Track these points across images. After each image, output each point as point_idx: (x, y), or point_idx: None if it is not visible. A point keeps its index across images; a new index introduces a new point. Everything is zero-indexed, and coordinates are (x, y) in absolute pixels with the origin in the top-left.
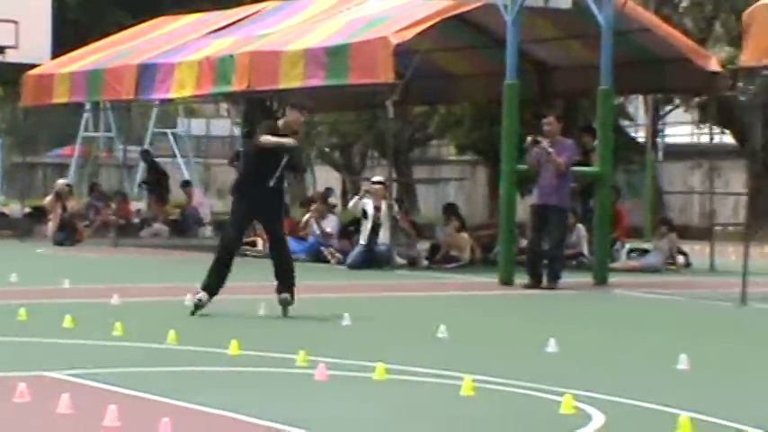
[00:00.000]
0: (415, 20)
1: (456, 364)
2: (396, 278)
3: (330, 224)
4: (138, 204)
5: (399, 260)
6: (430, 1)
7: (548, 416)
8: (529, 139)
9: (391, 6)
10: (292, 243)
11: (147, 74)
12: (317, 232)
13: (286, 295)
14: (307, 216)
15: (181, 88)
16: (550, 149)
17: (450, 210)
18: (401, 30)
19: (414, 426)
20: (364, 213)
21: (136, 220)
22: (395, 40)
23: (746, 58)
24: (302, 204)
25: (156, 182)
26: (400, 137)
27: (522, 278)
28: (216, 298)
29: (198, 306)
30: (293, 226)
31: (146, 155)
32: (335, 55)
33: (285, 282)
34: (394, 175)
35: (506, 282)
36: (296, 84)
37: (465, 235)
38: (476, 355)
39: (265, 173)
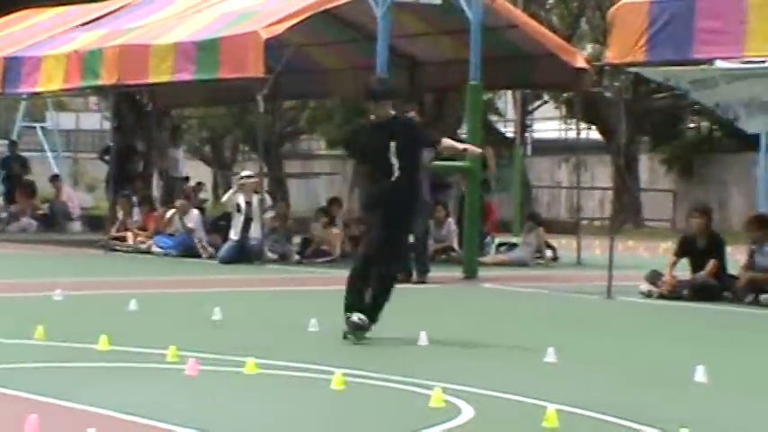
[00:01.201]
0: (286, 14)
1: (327, 358)
2: (267, 272)
3: (193, 220)
4: None
5: (271, 255)
6: None
7: (417, 409)
8: None
9: (262, 1)
10: (162, 239)
11: (13, 67)
12: (181, 229)
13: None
14: (170, 213)
15: (48, 82)
16: None
17: (332, 203)
18: (271, 24)
19: (284, 420)
20: (238, 208)
21: (3, 215)
22: (265, 35)
23: (612, 55)
24: (185, 197)
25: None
26: (271, 131)
27: None
28: (83, 293)
29: (358, 326)
30: (159, 221)
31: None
32: (205, 49)
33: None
34: (265, 170)
35: None
36: (165, 78)
37: (335, 230)
38: (346, 350)
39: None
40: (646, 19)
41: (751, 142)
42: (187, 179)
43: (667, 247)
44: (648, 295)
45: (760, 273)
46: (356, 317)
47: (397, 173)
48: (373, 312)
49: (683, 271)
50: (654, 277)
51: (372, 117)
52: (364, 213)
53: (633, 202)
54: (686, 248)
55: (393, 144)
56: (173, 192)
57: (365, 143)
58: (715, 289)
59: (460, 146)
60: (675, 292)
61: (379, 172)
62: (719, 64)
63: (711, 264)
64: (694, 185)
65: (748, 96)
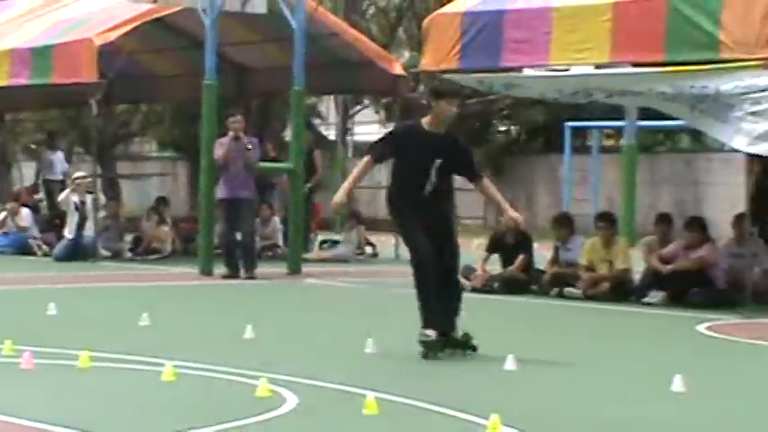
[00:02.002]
0: (118, 22)
1: (158, 351)
2: (101, 269)
3: (25, 219)
4: None
5: (104, 252)
6: (134, 4)
7: (244, 399)
8: (231, 134)
9: (96, 9)
10: None
11: None
12: (14, 228)
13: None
14: (2, 215)
15: None
16: (250, 146)
17: (159, 203)
18: (105, 31)
19: (116, 410)
20: (75, 207)
21: None
22: (98, 42)
23: (427, 62)
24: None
25: None
26: (104, 134)
27: (221, 269)
28: None
29: (428, 346)
30: None
31: None
32: (40, 55)
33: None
34: (98, 171)
35: (206, 272)
36: (2, 82)
37: (166, 228)
38: (177, 343)
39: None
40: (458, 29)
41: (555, 144)
42: (63, 181)
43: (480, 243)
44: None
45: (564, 268)
46: (431, 332)
47: (429, 189)
48: (453, 322)
49: (495, 266)
50: (467, 271)
51: (428, 118)
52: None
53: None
54: (497, 245)
55: (438, 161)
56: (51, 194)
57: (409, 146)
58: (523, 282)
59: (504, 203)
60: (487, 286)
61: (413, 182)
62: (527, 71)
63: (520, 259)
64: (504, 185)
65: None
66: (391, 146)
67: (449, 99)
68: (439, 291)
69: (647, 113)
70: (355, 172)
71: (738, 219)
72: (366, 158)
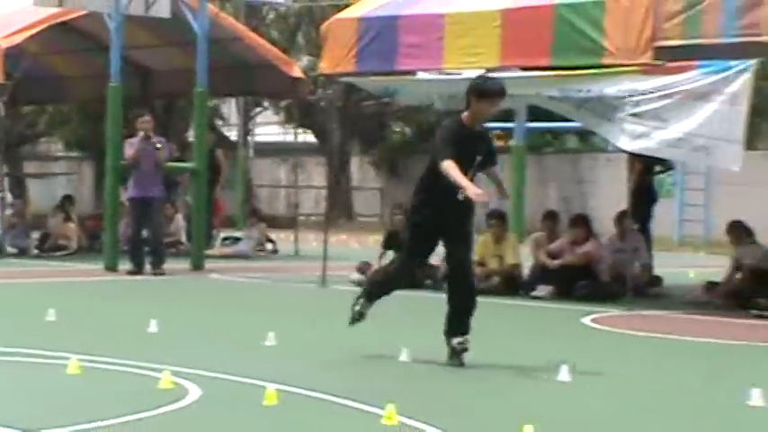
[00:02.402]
0: (24, 25)
1: (64, 345)
2: (7, 266)
3: None
4: None
5: (11, 249)
6: (40, 7)
7: (148, 391)
8: (140, 134)
9: (6, 12)
10: None
11: None
12: None
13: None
14: None
15: None
16: (159, 145)
17: (65, 201)
18: (11, 34)
19: (20, 403)
20: None
21: None
22: (4, 44)
23: (325, 66)
24: None
25: None
26: (11, 134)
27: (125, 265)
28: None
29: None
30: None
31: None
32: None
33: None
34: (5, 170)
35: (111, 268)
36: None
37: (72, 225)
38: (83, 337)
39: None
40: (355, 34)
41: None
42: None
43: (376, 239)
44: (359, 284)
45: None
46: (457, 342)
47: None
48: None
49: None
50: (364, 267)
51: (467, 115)
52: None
53: (345, 199)
54: (392, 241)
55: (479, 158)
56: None
57: (457, 145)
58: (419, 278)
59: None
60: None
61: (447, 184)
62: (421, 75)
63: None
64: (399, 184)
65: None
66: (455, 143)
67: (491, 100)
68: (451, 292)
69: (535, 116)
70: (459, 173)
71: (620, 216)
72: (448, 161)
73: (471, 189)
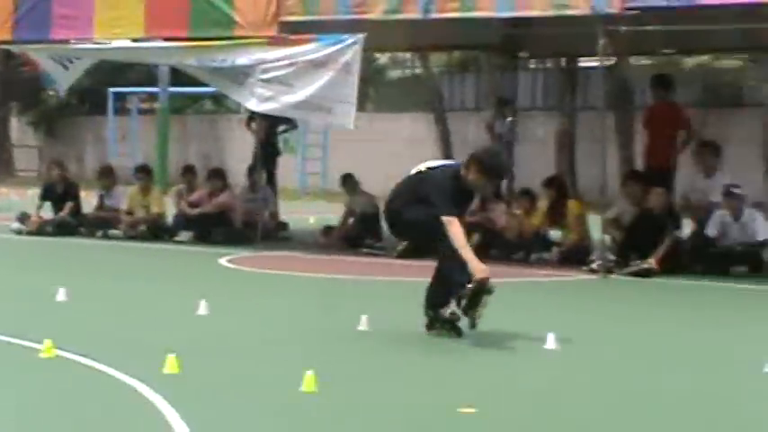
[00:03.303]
0: None
1: None
2: None
3: None
4: None
5: None
6: None
7: None
8: None
9: None
10: None
11: None
12: None
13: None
14: None
15: None
16: None
17: None
18: None
19: None
20: None
21: None
22: None
23: None
24: None
25: None
26: None
27: None
28: None
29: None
30: None
31: None
32: None
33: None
34: None
35: None
36: None
37: None
38: None
39: None
40: (12, 4)
41: (101, 107)
42: None
43: (34, 192)
44: (19, 232)
45: (108, 213)
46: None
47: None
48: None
49: (48, 212)
50: (23, 217)
51: (463, 173)
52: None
53: (7, 156)
54: (48, 194)
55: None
56: None
57: (455, 199)
58: (72, 226)
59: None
60: (41, 230)
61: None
62: (75, 44)
63: (69, 206)
64: (57, 144)
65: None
66: (453, 197)
67: (493, 180)
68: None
69: (177, 81)
70: (465, 246)
71: (250, 170)
72: (455, 228)
73: (477, 268)
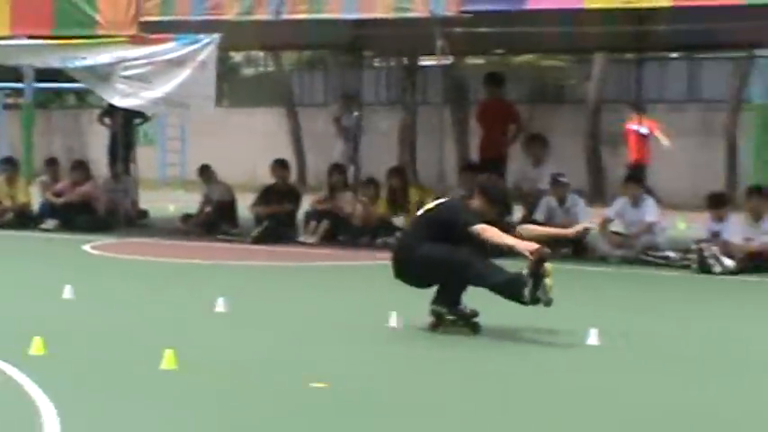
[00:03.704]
0: None
1: None
2: None
3: None
4: None
5: None
6: None
7: None
8: None
9: None
10: None
11: None
12: None
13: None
14: None
15: None
16: None
17: None
18: None
19: None
20: None
21: None
22: None
23: None
24: None
25: None
26: None
27: None
28: None
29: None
30: None
31: None
32: None
33: None
34: None
35: None
36: None
37: None
38: None
39: None
40: None
41: None
42: None
43: None
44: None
45: None
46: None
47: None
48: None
49: None
50: None
51: (469, 202)
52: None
53: None
54: None
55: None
56: None
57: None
58: None
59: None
60: None
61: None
62: None
63: None
64: None
65: None
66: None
67: (497, 210)
68: None
69: (42, 77)
70: (502, 236)
71: (112, 161)
72: (484, 227)
73: (526, 246)
